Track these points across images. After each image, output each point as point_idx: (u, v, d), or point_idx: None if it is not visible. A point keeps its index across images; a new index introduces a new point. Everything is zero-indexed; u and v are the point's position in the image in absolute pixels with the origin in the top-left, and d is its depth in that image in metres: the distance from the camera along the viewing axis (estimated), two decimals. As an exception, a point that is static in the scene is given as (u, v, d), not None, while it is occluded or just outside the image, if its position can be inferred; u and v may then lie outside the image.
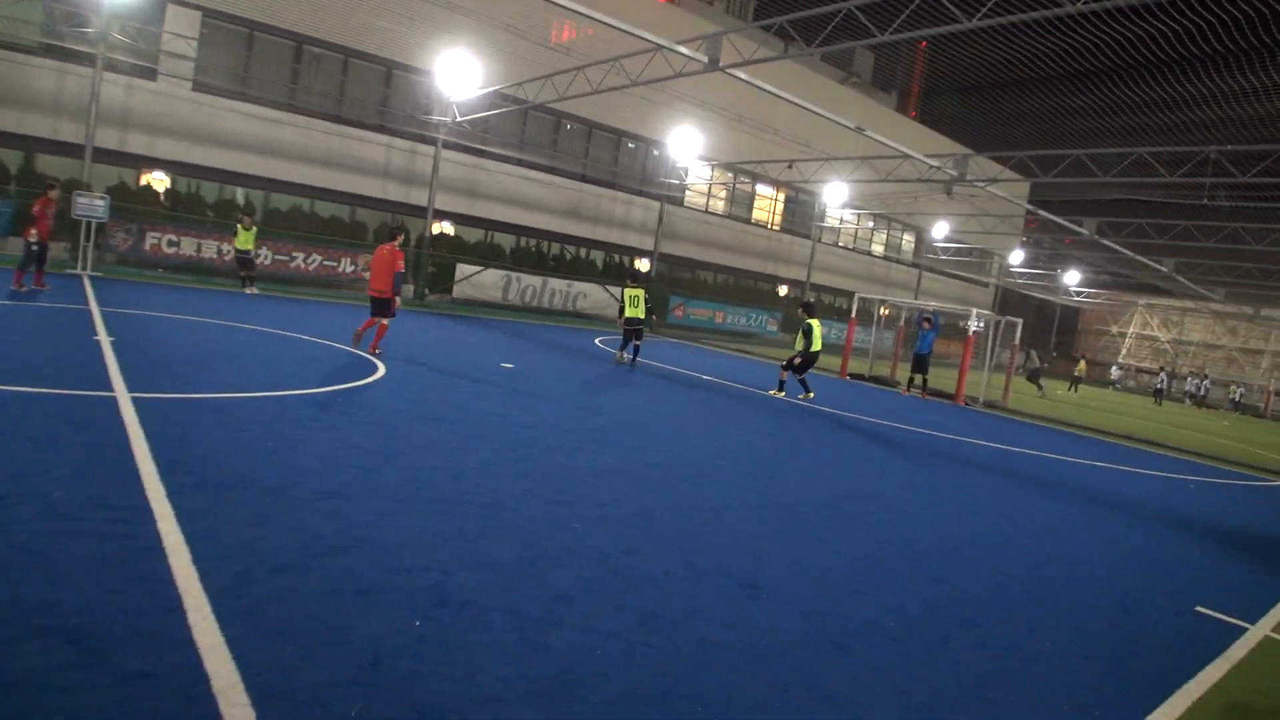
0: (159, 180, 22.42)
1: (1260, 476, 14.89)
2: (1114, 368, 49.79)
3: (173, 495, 4.66)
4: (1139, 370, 52.12)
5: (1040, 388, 28.92)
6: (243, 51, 23.13)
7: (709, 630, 4.06)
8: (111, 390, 7.02)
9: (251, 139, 23.16)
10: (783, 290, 39.75)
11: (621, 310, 16.62)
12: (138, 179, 22.10)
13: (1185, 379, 44.47)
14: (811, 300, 16.51)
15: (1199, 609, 5.82)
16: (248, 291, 18.71)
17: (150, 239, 20.26)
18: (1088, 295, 53.71)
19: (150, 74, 21.51)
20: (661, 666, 3.59)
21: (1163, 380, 39.70)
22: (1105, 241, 32.03)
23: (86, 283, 15.67)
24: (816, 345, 15.08)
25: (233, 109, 22.84)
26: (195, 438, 6.01)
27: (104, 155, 20.56)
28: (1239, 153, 18.82)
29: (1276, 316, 48.55)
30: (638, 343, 16.81)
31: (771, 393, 15.12)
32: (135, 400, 6.75)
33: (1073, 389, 35.95)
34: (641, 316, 16.47)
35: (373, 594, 3.84)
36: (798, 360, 15.16)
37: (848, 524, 6.59)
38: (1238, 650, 5.06)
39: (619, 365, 16.36)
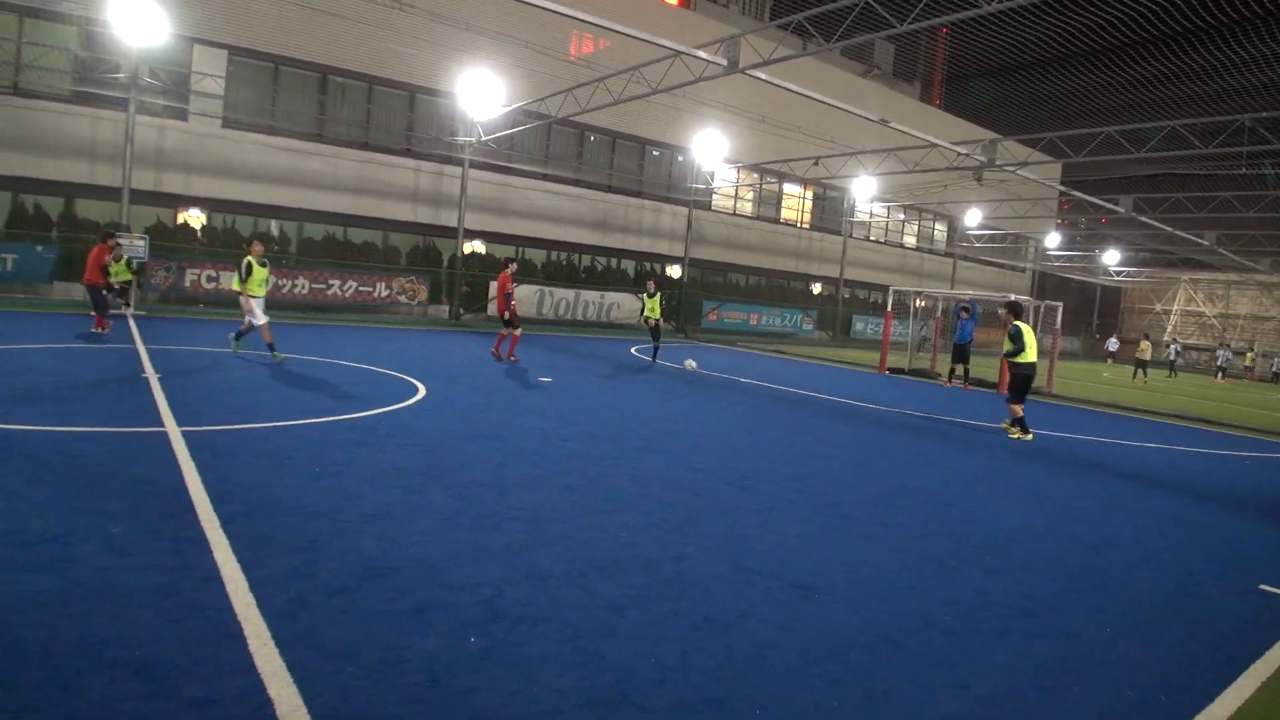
0: (195, 217, 22.90)
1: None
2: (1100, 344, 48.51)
3: (226, 525, 4.75)
4: (1186, 347, 50.93)
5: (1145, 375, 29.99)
6: (269, 86, 23.59)
7: (762, 632, 4.04)
8: (162, 425, 7.17)
9: (282, 171, 23.59)
10: (816, 288, 39.52)
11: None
12: (175, 217, 22.60)
13: (1216, 351, 42.91)
14: (1017, 300, 13.89)
15: (1263, 587, 5.67)
16: (126, 311, 17.62)
17: (190, 276, 20.70)
18: (1128, 274, 52.73)
19: (181, 114, 22.01)
20: (717, 671, 3.58)
21: (1175, 352, 38.56)
22: (1143, 218, 31.46)
23: (131, 322, 16.04)
24: (1030, 355, 11.91)
25: (262, 143, 23.29)
26: (244, 467, 6.12)
27: (141, 196, 21.06)
28: (1276, 119, 18.36)
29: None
30: (656, 342, 18.46)
31: (1015, 434, 11.91)
32: (185, 434, 6.90)
33: (1136, 376, 31.14)
34: (656, 316, 18.13)
35: (426, 612, 3.88)
36: (1010, 376, 12.31)
37: (896, 520, 6.53)
38: (1307, 628, 4.92)
39: (653, 365, 17.70)
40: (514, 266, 15.79)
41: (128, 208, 20.18)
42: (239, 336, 12.86)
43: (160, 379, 9.64)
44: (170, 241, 21.52)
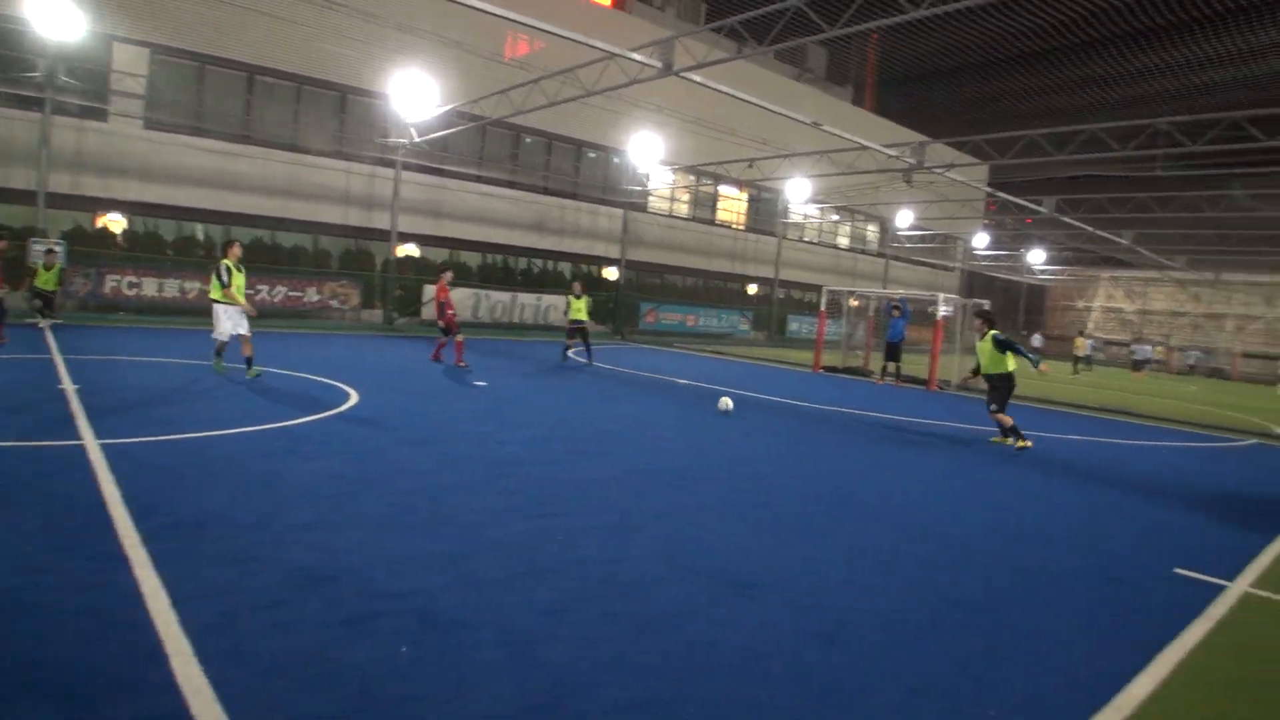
0: (115, 221, 22.14)
1: (1229, 437, 15.12)
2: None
3: (148, 540, 4.59)
4: (1108, 342, 52.72)
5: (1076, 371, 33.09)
6: (193, 85, 22.91)
7: (700, 631, 4.06)
8: (79, 439, 6.91)
9: (207, 173, 22.93)
10: (752, 289, 39.91)
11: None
12: (93, 221, 21.81)
13: (1131, 346, 44.79)
14: (988, 306, 13.08)
15: (1177, 570, 5.90)
16: (41, 324, 16.15)
17: (110, 282, 20.01)
18: (1052, 273, 54.43)
19: (101, 115, 21.25)
20: (654, 671, 3.59)
21: (1090, 347, 40.14)
22: (1065, 219, 32.43)
23: (47, 331, 15.42)
24: (1011, 364, 11.42)
25: (186, 144, 22.60)
26: (168, 480, 5.93)
27: (57, 200, 20.24)
28: (1189, 123, 19.08)
29: (1236, 280, 49.58)
30: (586, 343, 18.34)
31: (1019, 444, 11.07)
32: (104, 446, 6.65)
33: (1077, 370, 35.18)
34: (584, 317, 18.08)
35: (358, 623, 3.81)
36: (995, 389, 11.46)
37: (832, 517, 6.62)
38: (1218, 608, 5.14)
39: (589, 366, 17.82)
40: (450, 275, 15.72)
41: (44, 212, 19.41)
42: (250, 363, 11.68)
43: (78, 390, 9.28)
44: (89, 246, 20.75)
